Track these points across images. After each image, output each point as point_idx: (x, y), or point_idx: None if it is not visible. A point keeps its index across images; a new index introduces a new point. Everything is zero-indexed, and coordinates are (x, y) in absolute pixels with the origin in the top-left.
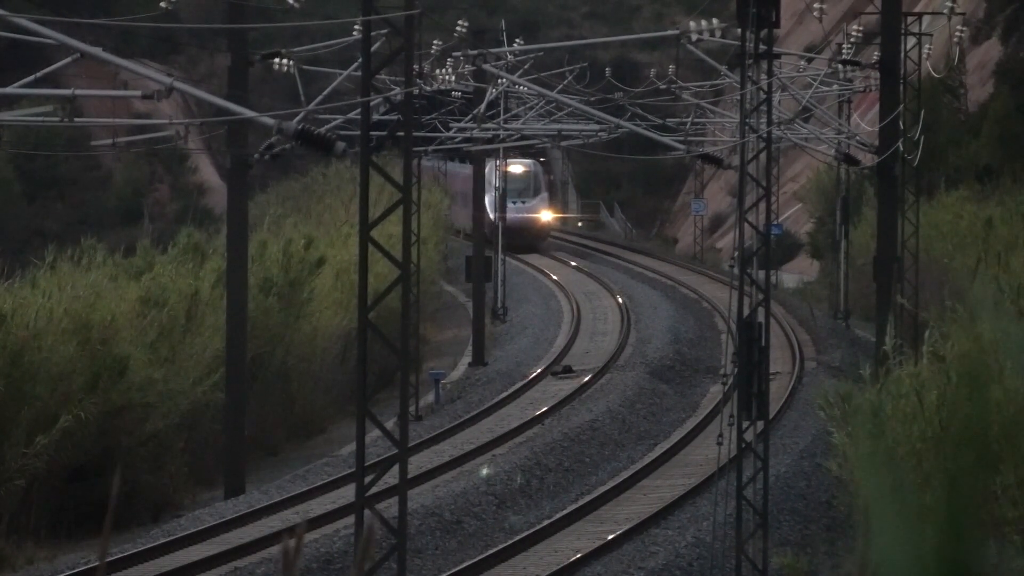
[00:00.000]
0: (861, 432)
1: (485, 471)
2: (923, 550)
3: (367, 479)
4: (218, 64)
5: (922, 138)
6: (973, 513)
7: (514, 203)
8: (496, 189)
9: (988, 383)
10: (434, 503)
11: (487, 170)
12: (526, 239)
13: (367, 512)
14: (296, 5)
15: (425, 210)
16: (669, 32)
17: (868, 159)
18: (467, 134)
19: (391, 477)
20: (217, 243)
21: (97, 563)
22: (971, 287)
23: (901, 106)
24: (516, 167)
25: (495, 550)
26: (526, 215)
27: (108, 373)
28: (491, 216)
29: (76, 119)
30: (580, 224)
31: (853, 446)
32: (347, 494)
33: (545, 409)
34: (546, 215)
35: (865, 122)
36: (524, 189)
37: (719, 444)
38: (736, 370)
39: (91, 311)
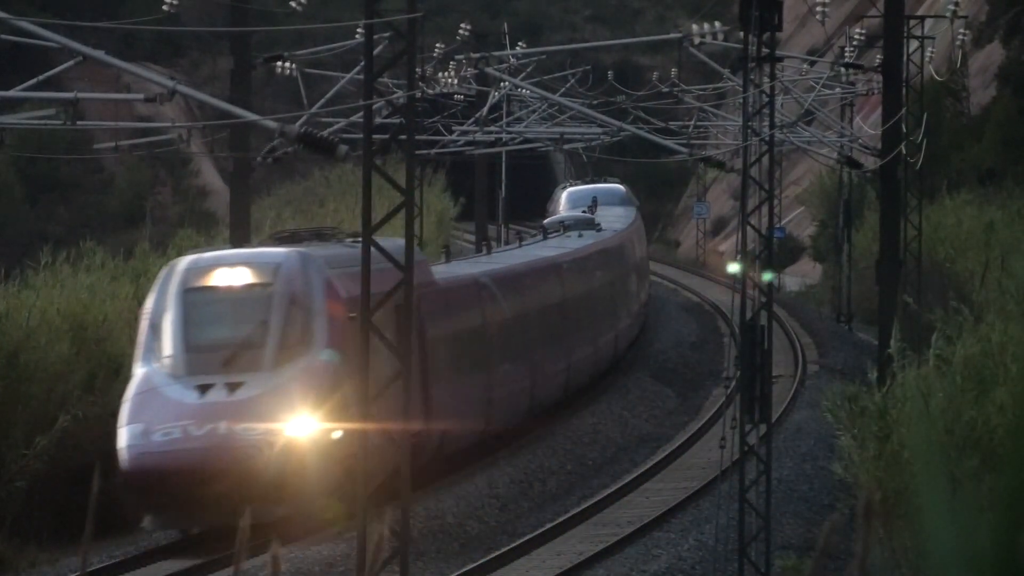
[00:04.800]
0: (867, 434)
1: None
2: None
3: None
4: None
5: (924, 141)
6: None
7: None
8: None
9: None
10: (436, 507)
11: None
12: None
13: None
14: (299, 8)
15: (428, 214)
16: (672, 35)
17: (870, 162)
18: (469, 137)
19: None
20: (219, 245)
21: (93, 568)
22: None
23: (903, 109)
24: (230, 274)
25: (497, 553)
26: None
27: (104, 372)
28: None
29: (78, 122)
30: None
31: (859, 448)
32: None
33: (547, 412)
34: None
35: (867, 125)
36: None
37: (722, 447)
38: (739, 373)
39: (85, 311)
